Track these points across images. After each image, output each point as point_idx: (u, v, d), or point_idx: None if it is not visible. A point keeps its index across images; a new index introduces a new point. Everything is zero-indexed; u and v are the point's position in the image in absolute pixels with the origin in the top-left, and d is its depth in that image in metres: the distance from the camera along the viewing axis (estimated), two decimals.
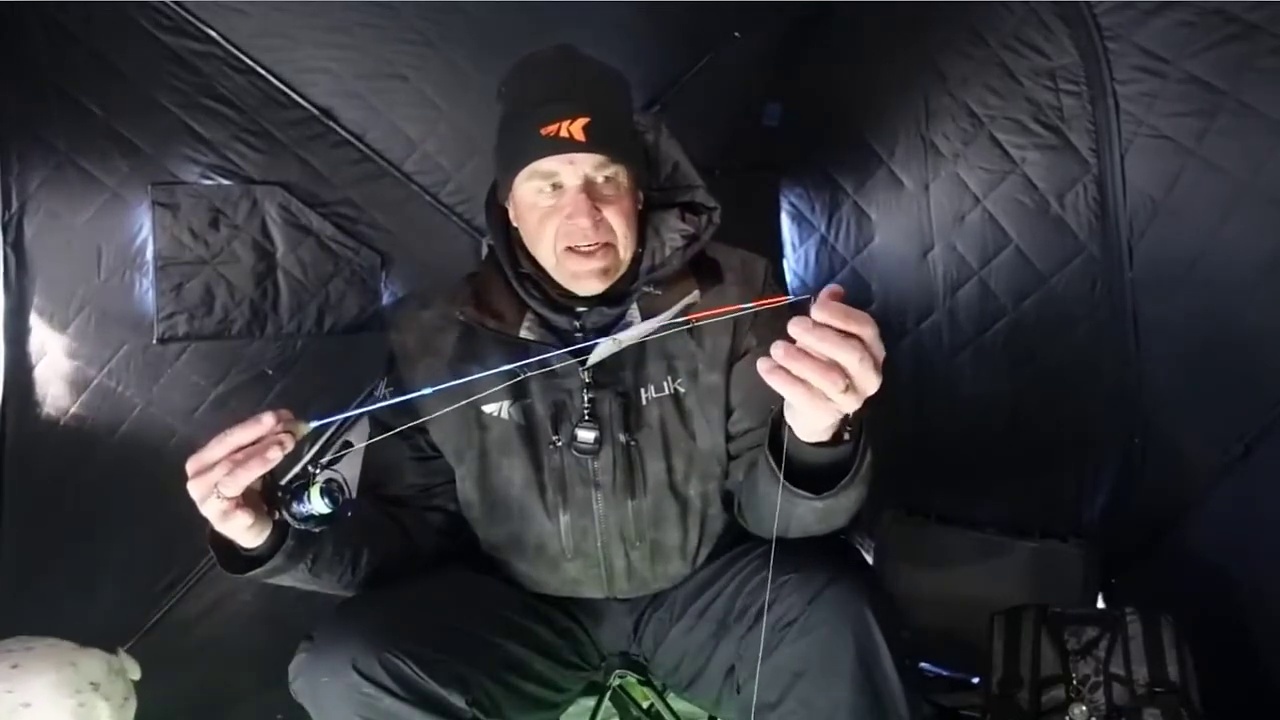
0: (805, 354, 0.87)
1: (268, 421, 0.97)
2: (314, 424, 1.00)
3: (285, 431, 0.98)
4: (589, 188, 1.25)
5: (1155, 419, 2.12)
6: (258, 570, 1.12)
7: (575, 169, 1.24)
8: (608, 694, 1.53)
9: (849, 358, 0.87)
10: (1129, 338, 2.12)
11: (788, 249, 2.74)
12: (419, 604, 1.27)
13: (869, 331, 0.88)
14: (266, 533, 1.08)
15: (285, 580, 1.19)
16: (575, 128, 1.21)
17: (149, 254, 2.08)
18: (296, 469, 1.05)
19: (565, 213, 1.25)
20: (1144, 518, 2.17)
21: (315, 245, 2.21)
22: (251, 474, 0.97)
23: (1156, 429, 2.12)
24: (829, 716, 1.13)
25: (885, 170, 2.52)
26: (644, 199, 1.36)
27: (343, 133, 2.20)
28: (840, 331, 0.87)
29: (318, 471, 1.04)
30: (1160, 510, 2.12)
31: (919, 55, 2.40)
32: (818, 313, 0.87)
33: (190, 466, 1.00)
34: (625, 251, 1.30)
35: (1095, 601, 2.20)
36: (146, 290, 2.09)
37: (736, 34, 2.43)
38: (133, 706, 1.52)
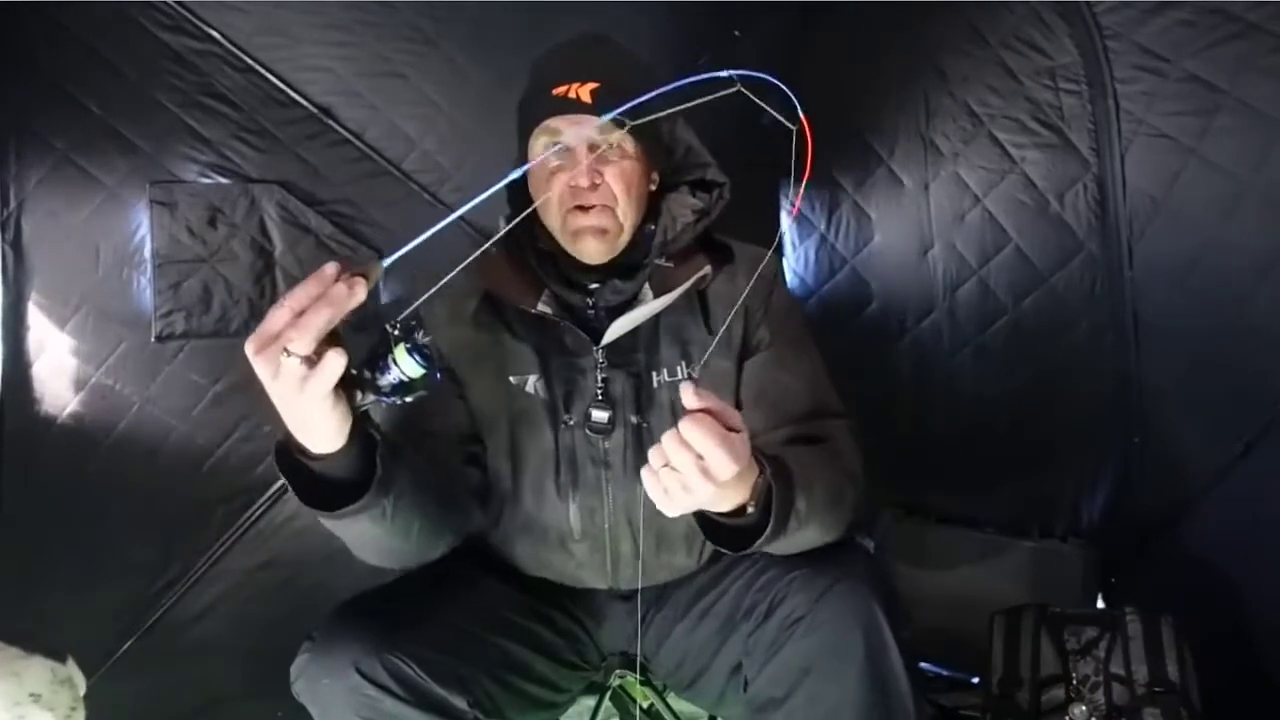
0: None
1: (330, 271, 0.85)
2: (386, 261, 0.86)
3: (355, 275, 0.85)
4: (592, 151, 1.28)
5: (1155, 419, 2.12)
6: (349, 508, 1.02)
7: (579, 130, 1.27)
8: (608, 694, 1.53)
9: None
10: (1129, 338, 2.11)
11: (788, 249, 2.74)
12: (420, 605, 1.26)
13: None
14: (347, 429, 0.96)
15: (363, 524, 1.07)
16: (583, 90, 1.26)
17: (147, 252, 2.08)
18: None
19: (569, 174, 1.28)
20: (1144, 517, 2.17)
21: (314, 244, 2.20)
22: (322, 319, 0.84)
23: (1156, 429, 2.12)
24: (837, 712, 1.13)
25: (885, 169, 2.51)
26: (658, 180, 1.39)
27: (342, 131, 2.19)
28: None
29: (397, 332, 0.89)
30: (1160, 510, 2.12)
31: (919, 54, 2.39)
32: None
33: (251, 346, 0.86)
34: (625, 219, 1.31)
35: (1095, 601, 2.19)
36: (144, 288, 2.08)
37: (736, 33, 2.43)
38: (80, 717, 1.49)
